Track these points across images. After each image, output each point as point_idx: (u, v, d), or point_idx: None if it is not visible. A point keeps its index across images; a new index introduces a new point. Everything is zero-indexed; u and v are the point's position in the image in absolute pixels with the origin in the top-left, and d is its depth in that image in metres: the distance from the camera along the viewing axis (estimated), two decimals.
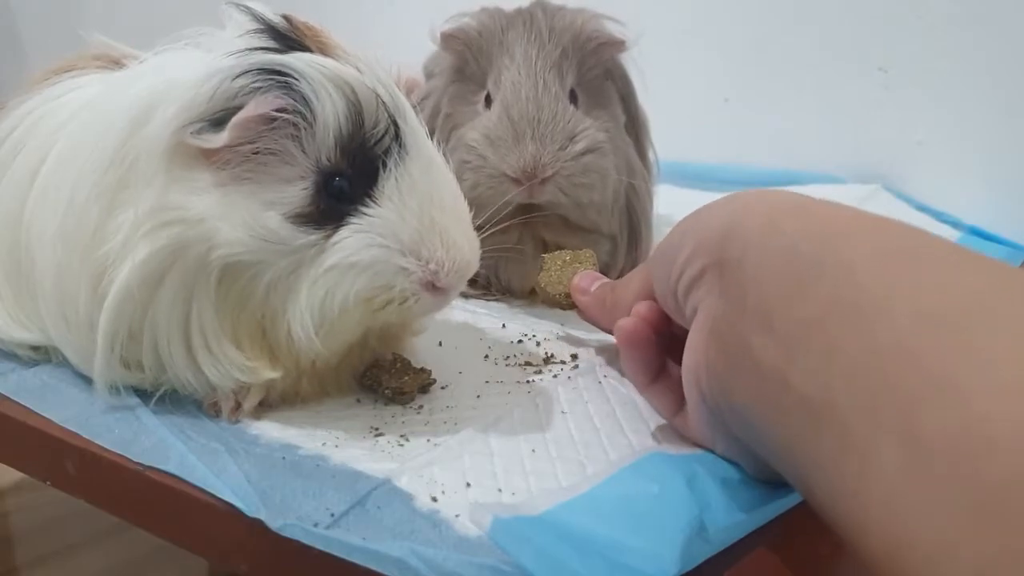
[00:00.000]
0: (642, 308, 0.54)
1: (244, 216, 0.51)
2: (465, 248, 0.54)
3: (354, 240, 0.51)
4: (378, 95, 0.52)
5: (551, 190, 0.72)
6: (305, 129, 0.51)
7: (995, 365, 0.30)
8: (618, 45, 0.77)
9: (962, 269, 0.36)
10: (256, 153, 0.51)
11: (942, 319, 0.33)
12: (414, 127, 0.54)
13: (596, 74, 0.77)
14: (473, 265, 0.56)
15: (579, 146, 0.72)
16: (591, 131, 0.73)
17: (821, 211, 0.43)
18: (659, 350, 0.54)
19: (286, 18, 0.55)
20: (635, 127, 0.81)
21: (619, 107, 0.79)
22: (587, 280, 0.65)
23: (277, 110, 0.50)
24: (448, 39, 0.77)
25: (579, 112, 0.74)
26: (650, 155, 0.83)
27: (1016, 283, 0.34)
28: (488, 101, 0.75)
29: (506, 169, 0.71)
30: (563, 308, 0.69)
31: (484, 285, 0.79)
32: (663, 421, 0.54)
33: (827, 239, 0.39)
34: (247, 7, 0.55)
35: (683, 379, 0.49)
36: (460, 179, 0.70)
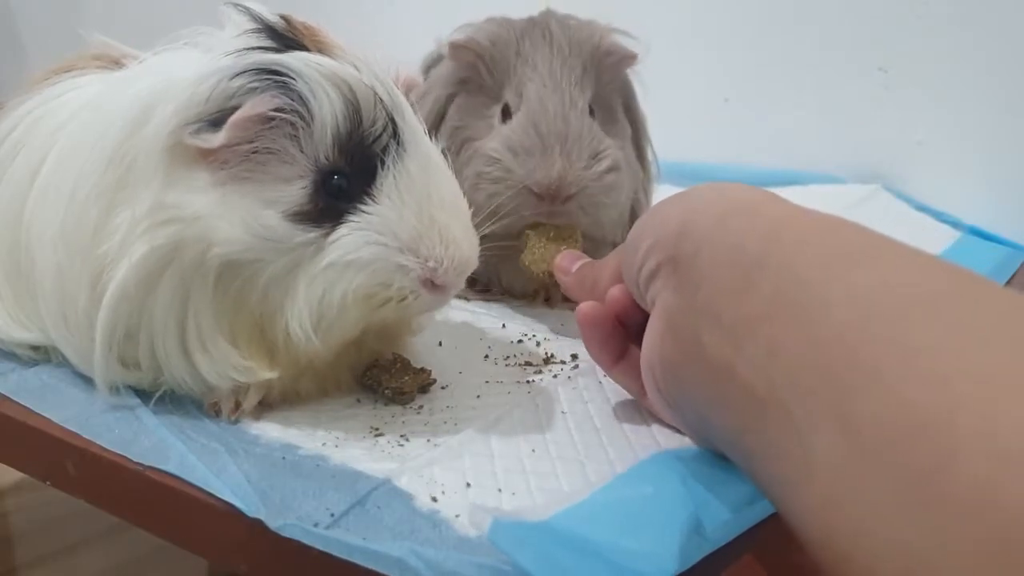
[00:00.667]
0: (616, 291, 0.55)
1: (242, 214, 0.51)
2: (464, 245, 0.54)
3: (352, 238, 0.51)
4: (376, 93, 0.52)
5: (572, 209, 0.70)
6: (303, 128, 0.51)
7: (924, 355, 0.31)
8: (631, 59, 0.76)
9: (899, 266, 0.37)
10: (254, 153, 0.51)
11: (879, 313, 0.34)
12: (412, 125, 0.54)
13: (609, 89, 0.76)
14: (472, 262, 0.56)
15: (603, 165, 0.70)
16: (613, 150, 0.71)
17: (770, 211, 0.44)
18: (618, 332, 0.55)
19: (284, 18, 0.55)
20: (636, 132, 0.80)
21: (624, 118, 0.78)
22: (569, 260, 0.65)
23: (275, 109, 0.50)
24: (458, 50, 0.75)
25: (601, 130, 0.72)
26: (649, 156, 0.82)
27: (954, 281, 0.35)
28: (506, 113, 0.73)
29: (531, 184, 0.68)
30: (546, 286, 0.69)
31: (485, 287, 0.79)
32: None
33: (774, 238, 0.41)
34: (245, 7, 0.55)
35: (641, 369, 0.51)
36: (476, 190, 0.69)
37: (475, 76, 0.76)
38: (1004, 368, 0.30)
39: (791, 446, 0.35)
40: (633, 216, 0.78)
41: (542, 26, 0.74)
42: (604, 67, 0.75)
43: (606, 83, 0.76)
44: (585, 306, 0.56)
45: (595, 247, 0.74)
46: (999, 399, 0.29)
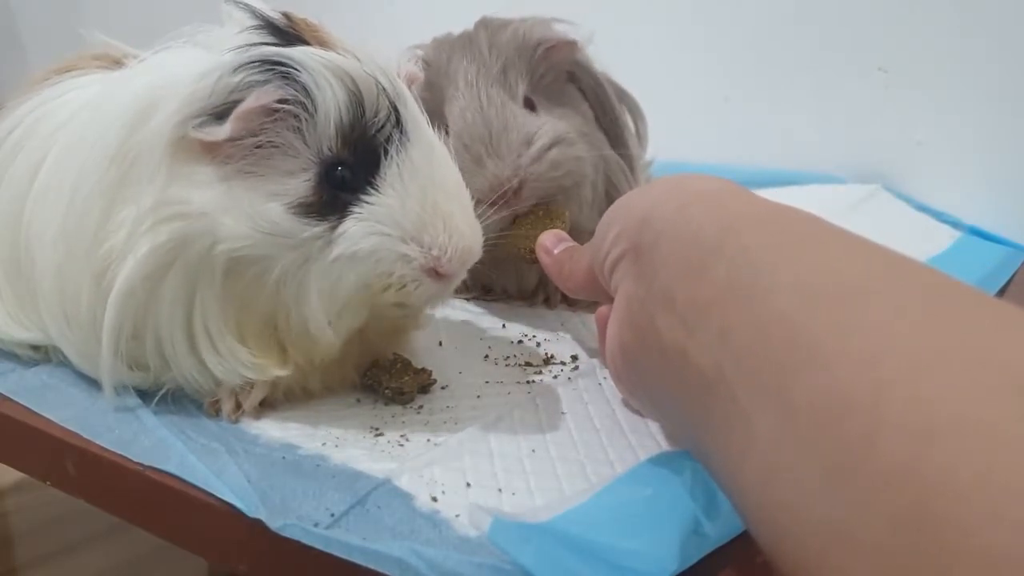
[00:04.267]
0: None
1: (247, 209, 0.50)
2: (468, 234, 0.54)
3: (356, 229, 0.51)
4: (378, 82, 0.52)
5: (529, 194, 0.70)
6: (306, 120, 0.51)
7: (858, 335, 0.33)
8: (569, 45, 0.76)
9: (847, 253, 0.38)
10: (259, 147, 0.51)
11: (820, 297, 0.35)
12: (415, 114, 0.54)
13: (552, 78, 0.76)
14: (476, 251, 0.56)
15: (537, 146, 0.70)
16: (547, 127, 0.71)
17: (729, 201, 0.45)
18: None
19: (285, 15, 0.55)
20: (610, 122, 0.79)
21: (584, 105, 0.78)
22: (552, 240, 0.66)
23: (278, 101, 0.50)
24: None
25: (534, 114, 0.72)
26: (633, 149, 0.81)
27: (894, 266, 0.37)
28: (447, 133, 0.73)
29: (476, 195, 0.67)
30: (527, 262, 0.69)
31: (486, 288, 0.79)
32: None
33: (730, 228, 0.42)
34: (246, 4, 0.55)
35: (606, 359, 0.52)
36: None
37: (424, 102, 0.75)
38: (929, 349, 0.31)
39: (735, 427, 0.37)
40: (609, 201, 0.77)
41: (467, 38, 0.75)
42: (537, 58, 0.75)
43: (545, 73, 0.75)
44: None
45: (575, 235, 0.74)
46: (922, 379, 0.30)
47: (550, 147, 0.70)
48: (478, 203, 0.67)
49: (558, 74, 0.77)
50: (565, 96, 0.77)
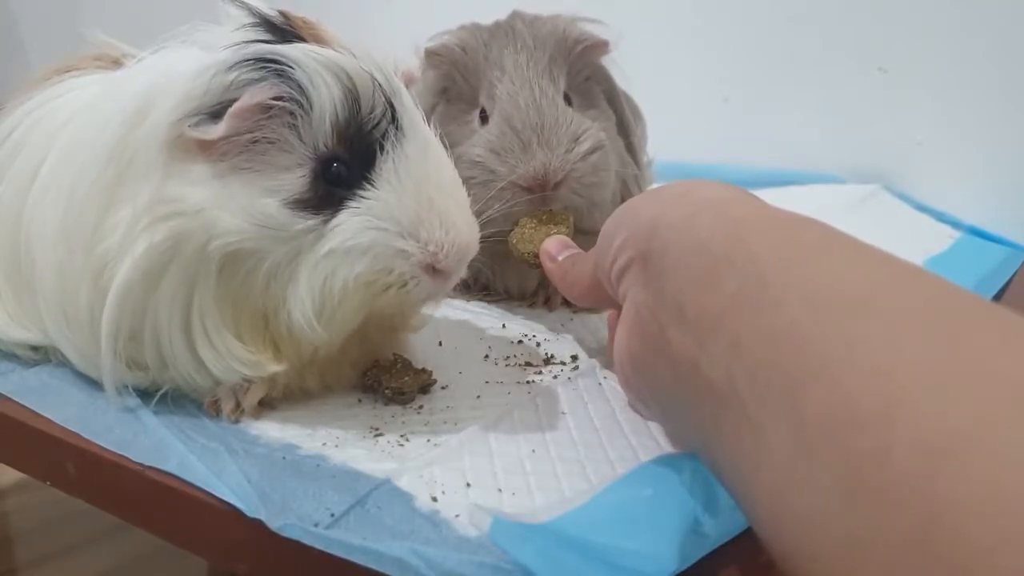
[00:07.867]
0: None
1: (243, 204, 0.50)
2: (464, 230, 0.54)
3: (352, 223, 0.51)
4: (374, 79, 0.52)
5: (564, 194, 0.71)
6: (302, 117, 0.51)
7: (867, 348, 0.32)
8: (602, 46, 0.77)
9: (855, 262, 0.38)
10: (254, 143, 0.51)
11: (828, 308, 0.35)
12: (411, 110, 0.54)
13: (583, 77, 0.77)
14: (473, 247, 0.56)
15: (585, 146, 0.71)
16: (593, 131, 0.72)
17: (737, 210, 0.45)
18: None
19: (282, 13, 0.55)
20: (623, 126, 0.80)
21: (607, 106, 0.79)
22: (556, 247, 0.66)
23: (273, 98, 0.50)
24: (432, 56, 0.77)
25: (578, 114, 0.73)
26: (640, 154, 0.82)
27: (902, 276, 0.36)
28: (483, 118, 0.74)
29: (518, 180, 0.69)
30: (530, 267, 0.69)
31: (485, 287, 0.79)
32: None
33: (739, 237, 0.42)
34: (244, 2, 0.55)
35: (615, 366, 0.52)
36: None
37: (452, 84, 0.77)
38: (938, 362, 0.31)
39: (747, 439, 0.36)
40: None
41: (507, 27, 0.75)
42: (574, 56, 0.75)
43: (579, 71, 0.76)
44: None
45: (588, 241, 0.74)
46: (932, 393, 0.30)
47: (592, 151, 0.71)
48: (515, 188, 0.69)
49: (590, 74, 0.78)
50: (593, 97, 0.78)
